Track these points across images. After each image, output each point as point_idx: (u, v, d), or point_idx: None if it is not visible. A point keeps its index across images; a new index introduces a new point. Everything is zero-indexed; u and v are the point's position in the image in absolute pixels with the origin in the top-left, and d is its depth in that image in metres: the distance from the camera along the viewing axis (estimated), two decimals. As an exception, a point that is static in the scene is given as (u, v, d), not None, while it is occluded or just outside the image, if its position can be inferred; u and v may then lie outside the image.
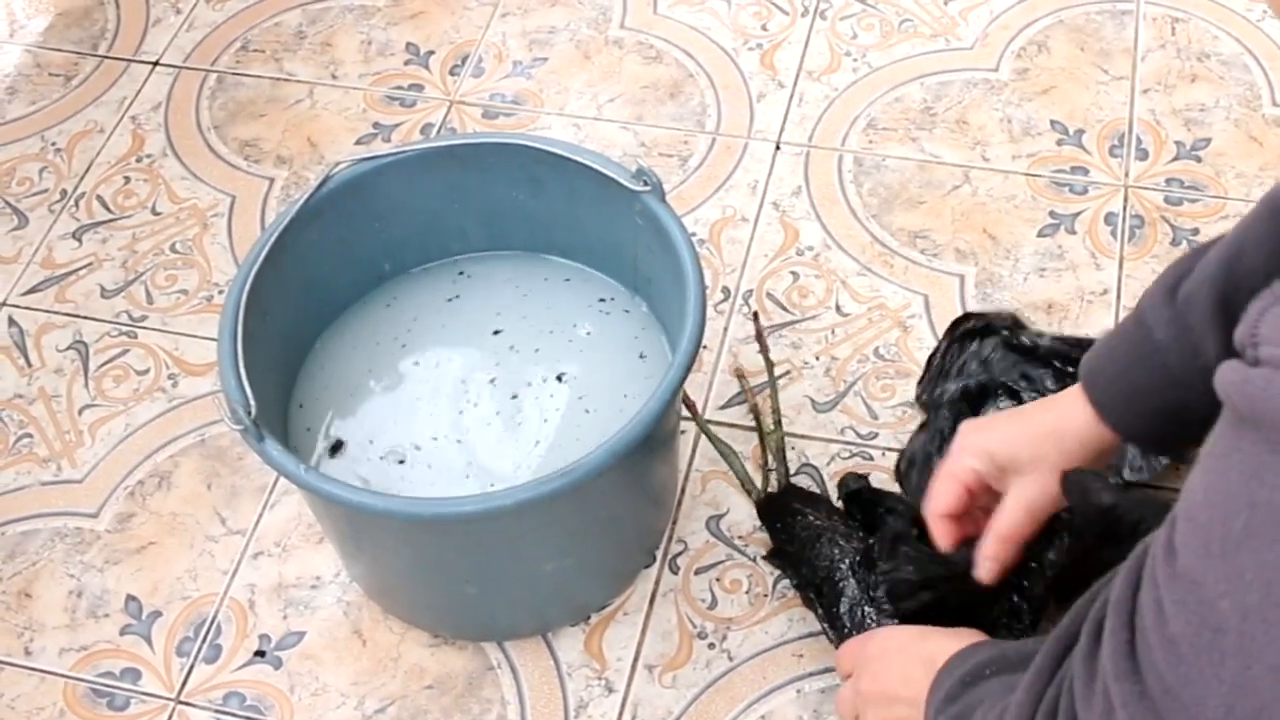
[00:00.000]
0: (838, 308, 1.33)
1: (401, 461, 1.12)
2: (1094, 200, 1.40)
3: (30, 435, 1.29)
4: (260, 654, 1.15)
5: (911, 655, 0.87)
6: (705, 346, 1.29)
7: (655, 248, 1.10)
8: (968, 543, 0.98)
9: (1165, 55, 1.53)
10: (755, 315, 1.31)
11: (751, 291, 1.34)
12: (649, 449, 1.04)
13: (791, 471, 1.21)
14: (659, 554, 1.18)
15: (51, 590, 1.19)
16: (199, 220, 1.44)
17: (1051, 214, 1.39)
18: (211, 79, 1.58)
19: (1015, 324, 1.24)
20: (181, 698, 1.13)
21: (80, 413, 1.30)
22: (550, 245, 1.23)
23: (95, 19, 1.66)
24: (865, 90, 1.51)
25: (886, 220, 1.39)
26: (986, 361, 1.21)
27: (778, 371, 1.28)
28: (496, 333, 1.19)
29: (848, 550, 1.08)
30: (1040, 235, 1.37)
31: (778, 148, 1.47)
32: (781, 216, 1.40)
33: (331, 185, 1.12)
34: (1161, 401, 0.88)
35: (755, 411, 1.24)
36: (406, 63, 1.58)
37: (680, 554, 1.18)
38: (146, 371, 1.32)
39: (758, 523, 1.19)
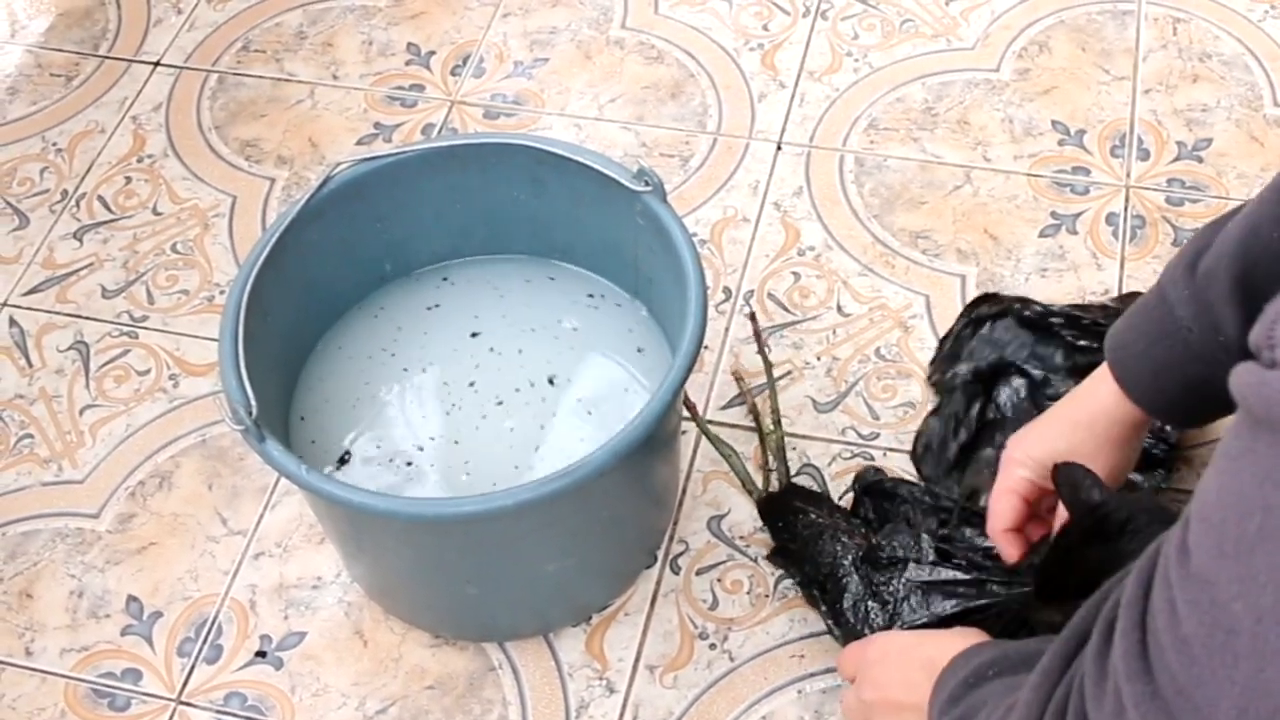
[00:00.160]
0: (839, 308, 1.33)
1: (410, 463, 1.12)
2: (1095, 200, 1.40)
3: (31, 436, 1.29)
4: (261, 654, 1.15)
5: (912, 660, 0.87)
6: (706, 347, 1.29)
7: (656, 248, 1.10)
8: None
9: (1166, 55, 1.52)
10: (752, 315, 1.31)
11: (753, 292, 1.34)
12: (650, 449, 1.04)
13: (792, 472, 1.21)
14: (660, 554, 1.18)
15: (52, 591, 1.19)
16: (200, 220, 1.44)
17: (1053, 214, 1.39)
18: (212, 79, 1.58)
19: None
20: (182, 698, 1.13)
21: (81, 413, 1.30)
22: (552, 246, 1.23)
23: (96, 19, 1.66)
24: (866, 90, 1.51)
25: (888, 220, 1.39)
26: (997, 342, 1.22)
27: (778, 372, 1.28)
28: (474, 335, 1.20)
29: (850, 547, 1.08)
30: (1042, 235, 1.37)
31: (779, 148, 1.47)
32: (783, 217, 1.40)
33: (333, 186, 1.12)
34: (1184, 377, 0.89)
35: (754, 412, 1.24)
36: (407, 63, 1.58)
37: (681, 554, 1.18)
38: (147, 372, 1.32)
39: (759, 523, 1.18)
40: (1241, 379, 0.50)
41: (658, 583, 1.17)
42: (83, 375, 1.32)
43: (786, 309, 1.33)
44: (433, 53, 1.59)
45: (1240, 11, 1.56)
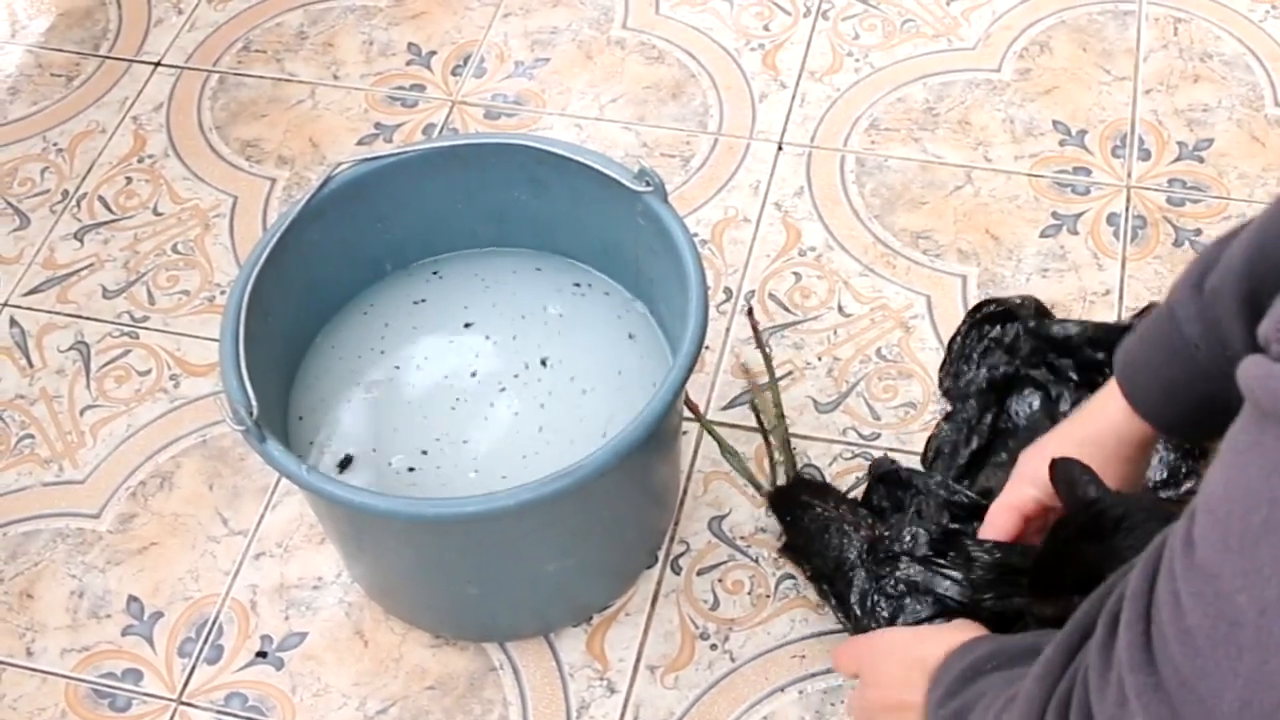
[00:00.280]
0: (840, 308, 1.33)
1: (411, 469, 1.11)
2: (1096, 201, 1.40)
3: (32, 436, 1.29)
4: (262, 655, 1.15)
5: (909, 657, 0.87)
6: (707, 347, 1.29)
7: (657, 248, 1.10)
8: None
9: (1167, 55, 1.52)
10: (749, 310, 1.31)
11: (754, 292, 1.34)
12: (651, 449, 1.04)
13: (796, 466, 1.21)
14: (661, 554, 1.18)
15: (53, 591, 1.19)
16: (201, 221, 1.44)
17: (1054, 214, 1.39)
18: (213, 79, 1.58)
19: (1038, 310, 1.24)
20: (183, 698, 1.13)
21: (82, 413, 1.30)
22: (553, 246, 1.23)
23: (97, 19, 1.66)
24: (867, 91, 1.51)
25: (889, 221, 1.39)
26: (1013, 349, 1.22)
27: (780, 372, 1.28)
28: (467, 325, 1.19)
29: (855, 540, 1.08)
30: (1043, 236, 1.37)
31: (780, 148, 1.47)
32: (784, 217, 1.40)
33: (333, 186, 1.12)
34: (1194, 394, 0.89)
35: (756, 409, 1.24)
36: (408, 63, 1.58)
37: (682, 555, 1.18)
38: (148, 372, 1.32)
39: (760, 523, 1.18)
40: (1249, 372, 0.50)
41: (659, 583, 1.17)
42: (83, 375, 1.32)
43: (787, 309, 1.33)
44: (433, 53, 1.59)
45: (1241, 11, 1.56)
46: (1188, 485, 1.13)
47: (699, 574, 1.17)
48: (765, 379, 1.27)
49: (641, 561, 1.17)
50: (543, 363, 1.17)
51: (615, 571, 1.15)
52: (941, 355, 1.28)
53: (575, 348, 1.18)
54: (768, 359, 1.27)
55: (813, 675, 1.10)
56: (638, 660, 1.13)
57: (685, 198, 1.42)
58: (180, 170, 1.49)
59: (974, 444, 1.18)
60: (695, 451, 1.24)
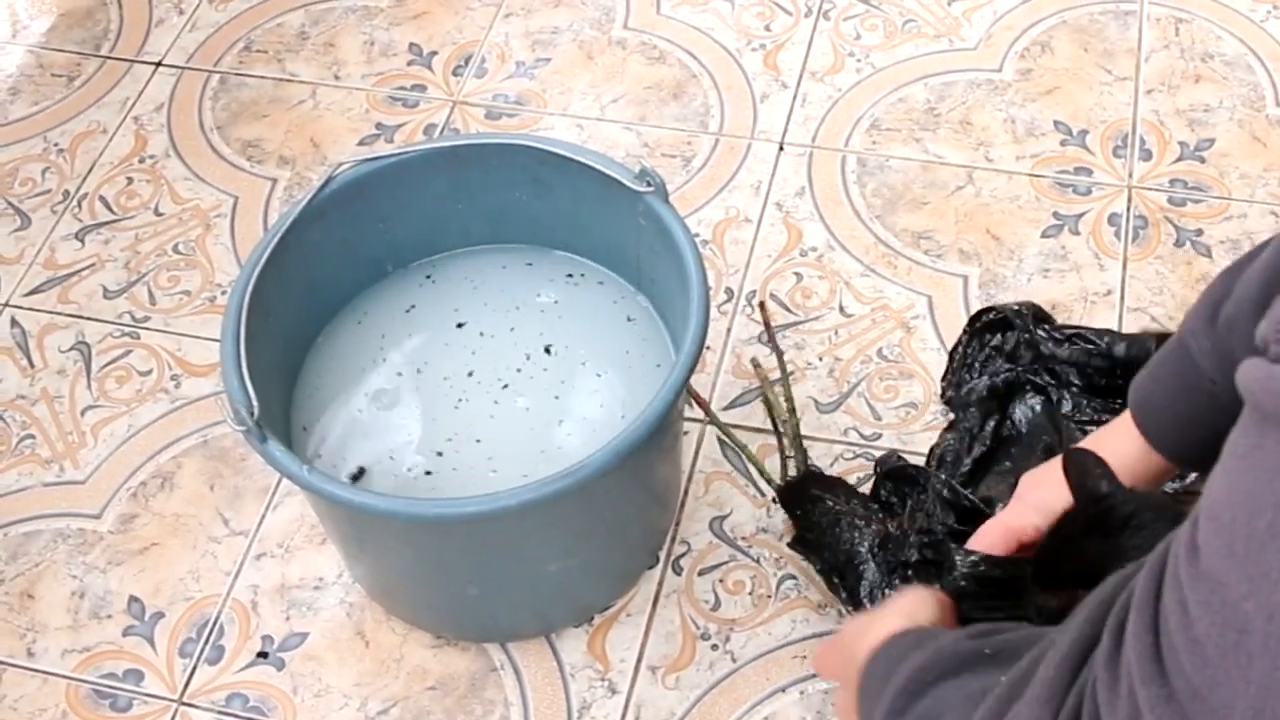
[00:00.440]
0: (841, 308, 1.33)
1: (429, 473, 1.11)
2: (1097, 201, 1.40)
3: (33, 436, 1.29)
4: (263, 655, 1.15)
5: (849, 656, 0.84)
6: (708, 347, 1.29)
7: (658, 248, 1.10)
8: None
9: (1169, 56, 1.52)
10: (762, 305, 1.31)
11: (755, 292, 1.34)
12: (653, 449, 1.04)
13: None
14: (662, 555, 1.18)
15: (54, 591, 1.19)
16: (202, 221, 1.44)
17: (1055, 215, 1.39)
18: (214, 80, 1.58)
19: (1036, 316, 1.24)
20: (184, 699, 1.13)
21: (83, 414, 1.30)
22: (554, 246, 1.23)
23: (98, 19, 1.66)
24: (869, 91, 1.51)
25: (890, 221, 1.39)
26: (1013, 356, 1.22)
27: (781, 373, 1.28)
28: (460, 325, 1.19)
29: (866, 534, 1.08)
30: (1044, 236, 1.37)
31: (781, 148, 1.47)
32: (785, 217, 1.40)
33: (334, 186, 1.11)
34: (1212, 429, 0.86)
35: (769, 403, 1.23)
36: (409, 63, 1.58)
37: (683, 555, 1.18)
38: (149, 372, 1.32)
39: (761, 524, 1.18)
40: (1249, 374, 0.50)
41: (660, 583, 1.16)
42: (84, 376, 1.32)
43: (789, 309, 1.33)
44: (434, 53, 1.59)
45: (1242, 12, 1.56)
46: (1193, 475, 1.13)
47: (700, 574, 1.17)
48: (776, 374, 1.27)
49: (643, 562, 1.17)
50: (547, 350, 1.17)
51: (616, 572, 1.15)
52: (942, 355, 1.28)
53: (577, 332, 1.18)
54: (779, 353, 1.27)
55: (814, 676, 1.10)
56: (639, 661, 1.13)
57: (686, 198, 1.42)
58: (181, 170, 1.49)
59: (976, 452, 1.17)
60: (696, 452, 1.24)
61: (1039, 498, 0.94)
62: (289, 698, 1.12)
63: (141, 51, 1.62)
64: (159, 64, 1.60)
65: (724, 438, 1.23)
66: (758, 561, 1.17)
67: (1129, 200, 1.40)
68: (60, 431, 1.29)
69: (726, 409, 1.26)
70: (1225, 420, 0.86)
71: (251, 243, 1.41)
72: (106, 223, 1.45)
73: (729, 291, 1.34)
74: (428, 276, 1.23)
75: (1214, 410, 0.86)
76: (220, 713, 1.12)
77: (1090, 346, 1.20)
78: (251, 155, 1.50)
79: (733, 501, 1.20)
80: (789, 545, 1.16)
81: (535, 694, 1.11)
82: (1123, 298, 1.32)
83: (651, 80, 1.54)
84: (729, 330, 1.32)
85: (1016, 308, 1.25)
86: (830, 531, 1.10)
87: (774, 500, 1.18)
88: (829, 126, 1.48)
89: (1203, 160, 1.43)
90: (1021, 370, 1.21)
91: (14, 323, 1.37)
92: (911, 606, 0.87)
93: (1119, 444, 0.93)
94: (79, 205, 1.46)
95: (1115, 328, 1.29)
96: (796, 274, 1.35)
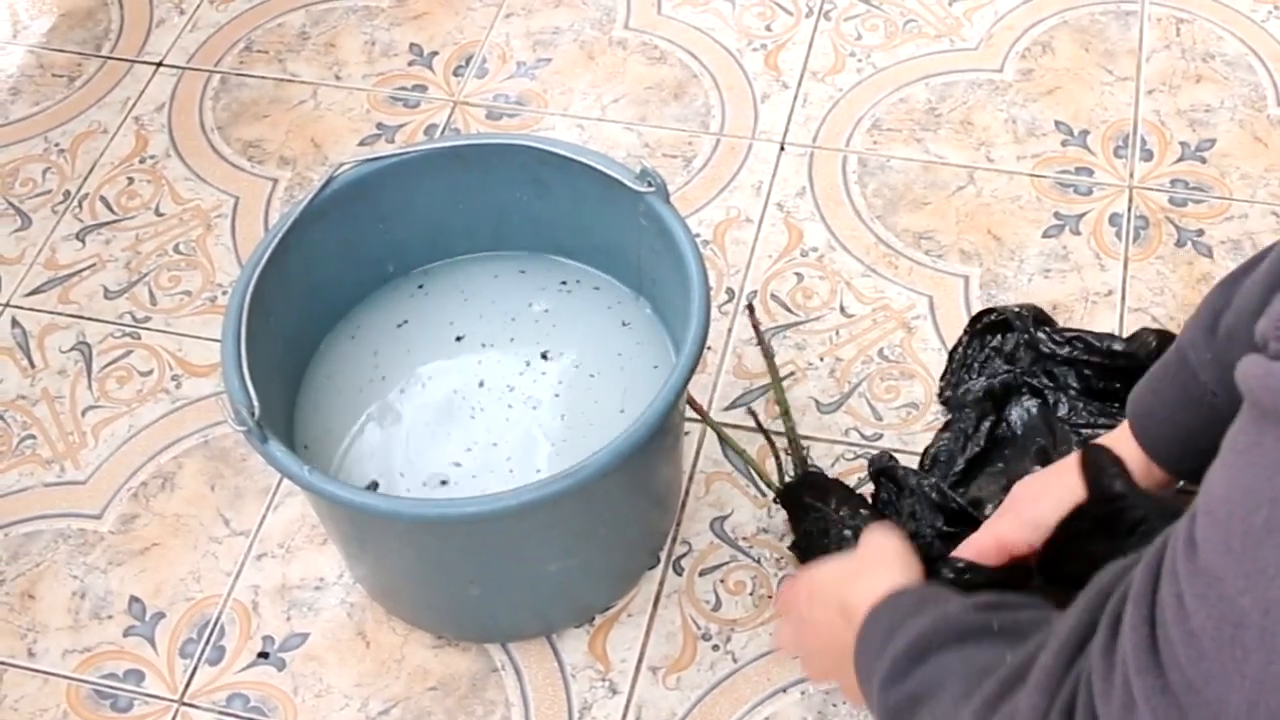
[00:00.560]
0: (842, 309, 1.33)
1: (444, 483, 1.11)
2: (1098, 201, 1.40)
3: (33, 436, 1.29)
4: (264, 655, 1.14)
5: (830, 600, 0.84)
6: (709, 348, 1.29)
7: (659, 249, 1.10)
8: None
9: (1170, 56, 1.52)
10: (750, 307, 1.31)
11: (756, 292, 1.34)
12: (653, 450, 1.04)
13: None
14: (663, 555, 1.18)
15: (55, 592, 1.19)
16: (202, 221, 1.44)
17: (1056, 215, 1.39)
18: (215, 80, 1.58)
19: (1037, 318, 1.24)
20: (185, 699, 1.13)
21: (83, 414, 1.30)
22: (555, 246, 1.23)
23: (99, 20, 1.66)
24: (869, 91, 1.51)
25: (891, 221, 1.39)
26: (1011, 358, 1.22)
27: (783, 372, 1.28)
28: (459, 339, 1.19)
29: (854, 543, 1.08)
30: (1045, 236, 1.37)
31: (782, 148, 1.47)
32: (786, 217, 1.40)
33: (335, 186, 1.11)
34: (1213, 442, 0.85)
35: (781, 399, 1.24)
36: (410, 63, 1.58)
37: (684, 555, 1.18)
38: (150, 373, 1.32)
39: (762, 524, 1.18)
40: (1248, 371, 0.50)
41: (660, 584, 1.16)
42: (85, 376, 1.32)
43: (789, 310, 1.33)
44: (435, 53, 1.59)
45: (1243, 12, 1.56)
46: None
47: (701, 575, 1.17)
48: (763, 381, 1.27)
49: (643, 562, 1.17)
50: (544, 356, 1.17)
51: (617, 572, 1.15)
52: (943, 355, 1.28)
53: (571, 338, 1.18)
54: (769, 356, 1.27)
55: (815, 676, 1.10)
56: (640, 661, 1.13)
57: (687, 198, 1.42)
58: (182, 171, 1.49)
59: (970, 452, 1.17)
60: (697, 452, 1.24)
61: (1037, 515, 0.91)
62: (290, 698, 1.12)
63: (142, 52, 1.62)
64: (160, 64, 1.60)
65: (725, 438, 1.23)
66: (759, 562, 1.17)
67: (1130, 200, 1.40)
68: (61, 432, 1.29)
69: (728, 409, 1.26)
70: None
71: (252, 243, 1.41)
72: (107, 223, 1.45)
73: (730, 292, 1.34)
74: (420, 286, 1.23)
75: (1215, 423, 0.85)
76: (221, 713, 1.12)
77: (1089, 348, 1.20)
78: (252, 155, 1.50)
79: (734, 502, 1.20)
80: (789, 548, 1.16)
81: (536, 694, 1.11)
82: (1124, 298, 1.32)
83: (652, 80, 1.54)
84: (730, 331, 1.32)
85: (1017, 309, 1.25)
86: (820, 540, 1.10)
87: (775, 501, 1.18)
88: (830, 127, 1.48)
89: (1204, 160, 1.43)
90: (1019, 372, 1.21)
91: (15, 323, 1.37)
92: (892, 556, 0.85)
93: (1118, 454, 0.92)
94: (80, 205, 1.46)
95: (1116, 328, 1.29)
96: (797, 274, 1.35)
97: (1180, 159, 1.43)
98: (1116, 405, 1.19)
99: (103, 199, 1.47)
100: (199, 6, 1.66)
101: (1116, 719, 0.55)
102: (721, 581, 1.16)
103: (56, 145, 1.52)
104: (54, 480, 1.26)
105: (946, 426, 1.21)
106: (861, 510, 1.12)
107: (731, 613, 1.14)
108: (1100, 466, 0.87)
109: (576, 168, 1.11)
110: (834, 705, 1.09)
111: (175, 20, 1.65)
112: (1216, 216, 1.38)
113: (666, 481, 1.16)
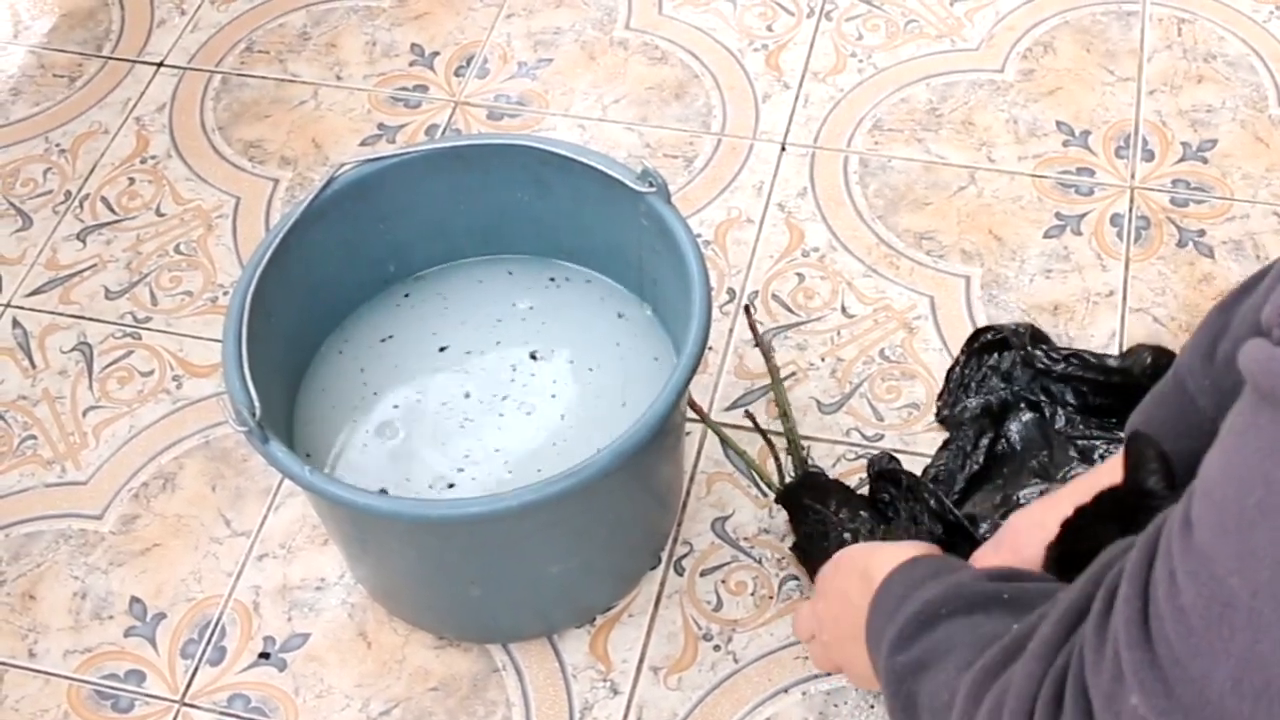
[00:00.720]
0: (843, 309, 1.33)
1: (451, 486, 1.11)
2: (1100, 201, 1.40)
3: (34, 437, 1.29)
4: (265, 656, 1.14)
5: (855, 569, 0.84)
6: (710, 348, 1.29)
7: (660, 249, 1.10)
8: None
9: (1171, 56, 1.52)
10: (747, 308, 1.31)
11: (757, 293, 1.34)
12: (654, 450, 1.04)
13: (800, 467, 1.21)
14: (664, 556, 1.18)
15: (55, 592, 1.19)
16: (203, 221, 1.44)
17: (1057, 215, 1.39)
18: (216, 80, 1.58)
19: (1034, 336, 1.24)
20: (186, 700, 1.12)
21: (84, 414, 1.30)
22: (556, 247, 1.23)
23: (100, 20, 1.66)
24: (871, 91, 1.51)
25: (892, 221, 1.39)
26: (1008, 376, 1.22)
27: (784, 372, 1.28)
28: (442, 349, 1.19)
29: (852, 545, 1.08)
30: (1046, 236, 1.37)
31: (783, 149, 1.47)
32: (787, 218, 1.40)
33: (336, 186, 1.11)
34: None
35: (781, 400, 1.23)
36: (411, 64, 1.58)
37: (685, 556, 1.18)
38: (151, 373, 1.32)
39: (763, 524, 1.18)
40: (1250, 355, 0.51)
41: (662, 584, 1.16)
42: (86, 376, 1.32)
43: (790, 310, 1.33)
44: (436, 53, 1.59)
45: (1245, 12, 1.56)
46: None
47: (702, 575, 1.17)
48: (764, 382, 1.27)
49: (645, 562, 1.17)
50: (532, 356, 1.17)
51: (618, 573, 1.15)
52: (944, 356, 1.28)
53: (562, 335, 1.18)
54: (769, 357, 1.27)
55: (816, 676, 1.10)
56: (641, 661, 1.13)
57: (688, 198, 1.42)
58: (183, 171, 1.49)
59: (969, 470, 1.17)
60: (698, 452, 1.23)
61: (1030, 555, 0.90)
62: (291, 698, 1.12)
63: (143, 52, 1.62)
64: (161, 64, 1.60)
65: (725, 439, 1.23)
66: (760, 562, 1.17)
67: (1131, 201, 1.40)
68: (62, 432, 1.29)
69: (729, 409, 1.26)
70: None
71: (253, 243, 1.41)
72: (108, 223, 1.45)
73: (731, 292, 1.34)
74: (406, 295, 1.22)
75: None
76: (222, 713, 1.12)
77: (1085, 365, 1.20)
78: (253, 156, 1.50)
79: (735, 502, 1.20)
80: (790, 548, 1.16)
81: (537, 695, 1.11)
82: (1125, 298, 1.32)
83: (653, 81, 1.54)
84: (731, 331, 1.31)
85: (1015, 327, 1.25)
86: (819, 542, 1.10)
87: (776, 501, 1.18)
88: (831, 127, 1.48)
89: (1205, 161, 1.43)
90: (1017, 389, 1.21)
91: (15, 323, 1.37)
92: (918, 545, 0.87)
93: (1116, 479, 0.91)
94: (80, 206, 1.46)
95: (1117, 328, 1.29)
96: (798, 274, 1.35)
97: (1182, 159, 1.43)
98: (1114, 420, 1.19)
99: (104, 199, 1.47)
100: (200, 7, 1.66)
101: (1105, 690, 0.56)
102: (723, 582, 1.16)
103: (57, 145, 1.52)
104: (55, 481, 1.26)
105: (945, 445, 1.20)
106: (861, 512, 1.12)
107: (733, 613, 1.14)
108: (1142, 459, 0.86)
109: (578, 168, 1.11)
110: (835, 706, 1.09)
111: (176, 20, 1.65)
112: (1218, 217, 1.38)
113: (668, 482, 1.16)
